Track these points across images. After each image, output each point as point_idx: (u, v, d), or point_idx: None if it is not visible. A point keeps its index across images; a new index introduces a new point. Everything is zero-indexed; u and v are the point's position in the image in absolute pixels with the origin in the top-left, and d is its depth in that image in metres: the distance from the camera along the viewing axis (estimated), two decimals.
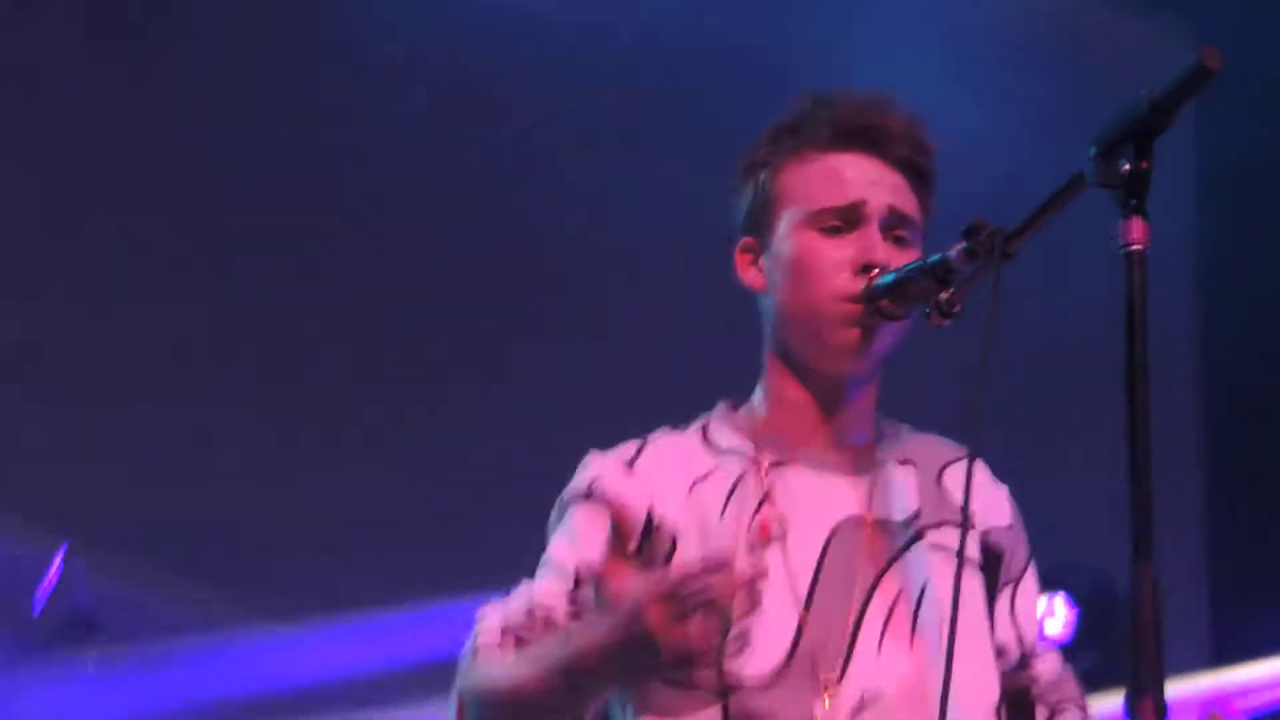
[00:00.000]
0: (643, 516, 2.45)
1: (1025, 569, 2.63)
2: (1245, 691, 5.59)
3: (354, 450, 5.22)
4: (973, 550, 2.55)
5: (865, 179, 2.51)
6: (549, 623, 2.39)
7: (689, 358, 5.14)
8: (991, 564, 2.57)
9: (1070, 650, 5.39)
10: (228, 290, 5.22)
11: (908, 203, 2.53)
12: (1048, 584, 5.41)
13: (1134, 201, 2.02)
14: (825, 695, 2.40)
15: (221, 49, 5.29)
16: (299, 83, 5.35)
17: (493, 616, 2.44)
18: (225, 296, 5.22)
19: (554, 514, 2.54)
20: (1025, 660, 2.58)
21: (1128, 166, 2.02)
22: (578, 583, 2.43)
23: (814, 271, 2.49)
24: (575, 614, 2.39)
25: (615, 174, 5.57)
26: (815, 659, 2.41)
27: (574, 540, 2.47)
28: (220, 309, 5.21)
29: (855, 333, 2.46)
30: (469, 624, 2.47)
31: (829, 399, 2.53)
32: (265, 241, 5.26)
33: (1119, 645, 5.51)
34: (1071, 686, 2.61)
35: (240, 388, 5.18)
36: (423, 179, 5.44)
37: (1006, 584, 2.59)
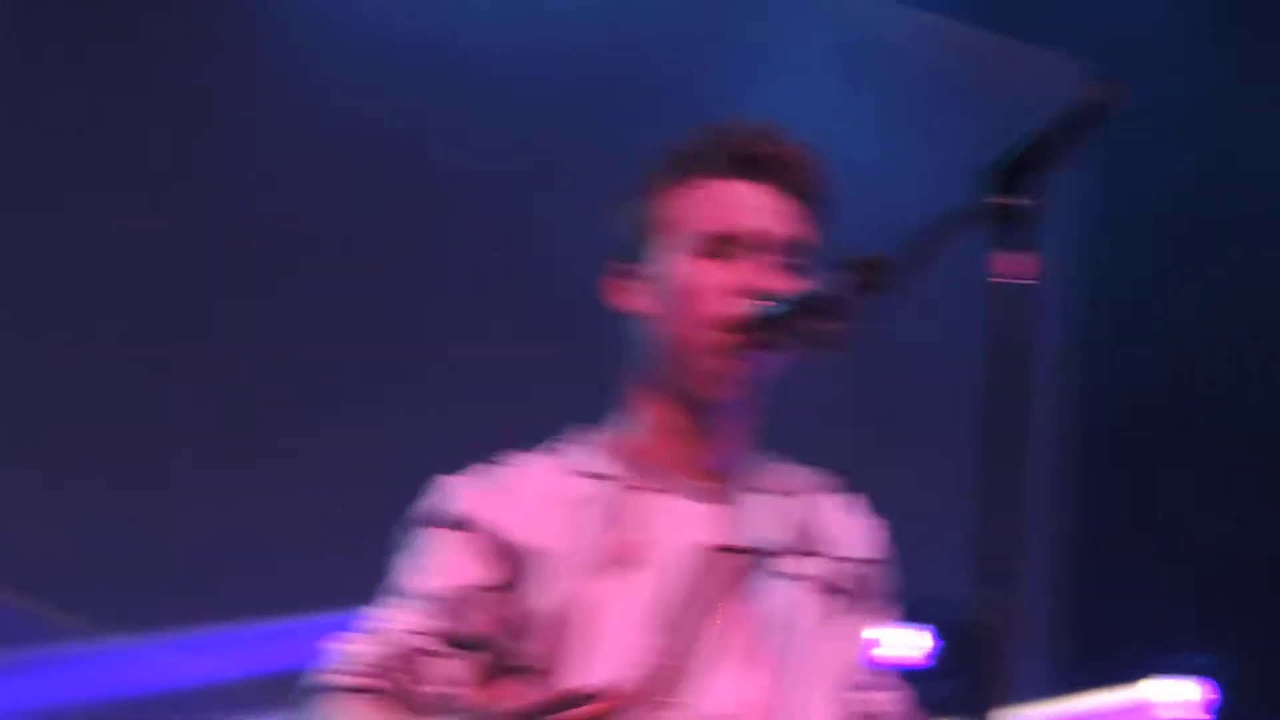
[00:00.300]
0: (493, 541, 2.42)
1: (884, 603, 2.62)
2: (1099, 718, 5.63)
3: (189, 462, 5.10)
4: (831, 579, 2.53)
5: (754, 205, 2.48)
6: (418, 674, 2.37)
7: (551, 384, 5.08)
8: (849, 594, 2.56)
9: (930, 678, 5.46)
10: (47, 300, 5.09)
11: (797, 230, 2.50)
12: (911, 616, 5.47)
13: (1019, 235, 1.99)
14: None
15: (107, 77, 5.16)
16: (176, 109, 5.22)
17: (361, 652, 2.39)
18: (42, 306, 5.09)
19: (407, 538, 2.49)
20: (871, 691, 2.57)
21: (1016, 200, 2.00)
22: (432, 612, 2.39)
23: (694, 297, 2.45)
24: (449, 658, 2.37)
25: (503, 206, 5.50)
26: (664, 684, 2.38)
27: (425, 569, 2.43)
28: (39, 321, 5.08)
29: (728, 361, 2.43)
30: (309, 638, 2.43)
31: (698, 426, 2.50)
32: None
33: (974, 672, 5.54)
34: None
35: (68, 398, 5.04)
36: (322, 214, 5.34)
37: (862, 615, 2.58)
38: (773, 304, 2.40)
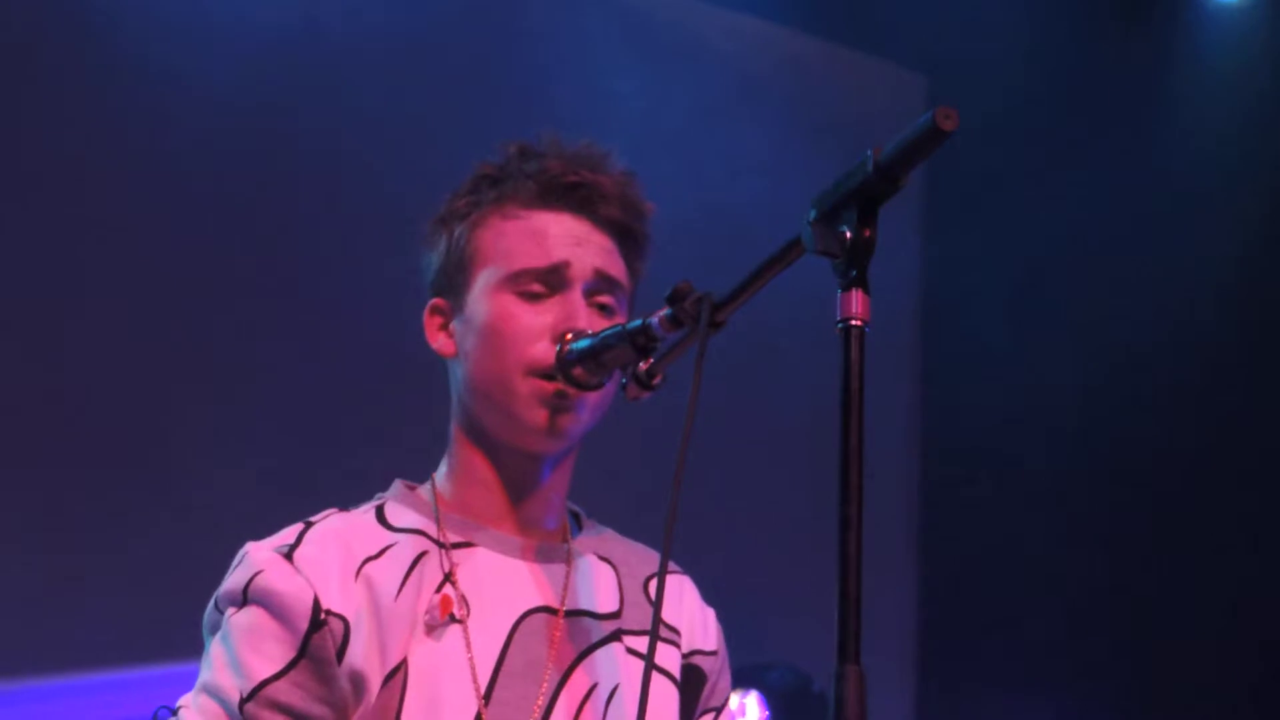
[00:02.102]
0: (307, 608, 2.23)
1: (725, 701, 2.50)
2: None
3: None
4: (673, 667, 2.42)
5: (570, 239, 2.34)
6: None
7: (367, 434, 4.88)
8: (693, 687, 2.45)
9: None
10: None
11: (615, 266, 2.37)
12: (742, 682, 5.34)
13: (854, 272, 1.84)
14: None
15: None
16: None
17: None
18: None
19: (210, 616, 2.31)
20: None
21: (849, 234, 1.85)
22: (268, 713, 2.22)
23: (509, 338, 2.31)
24: None
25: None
26: None
27: (235, 659, 2.24)
28: None
29: (547, 412, 2.29)
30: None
31: (519, 478, 2.36)
32: None
33: None
34: None
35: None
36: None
37: (706, 712, 2.47)
38: (588, 341, 2.26)
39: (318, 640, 2.22)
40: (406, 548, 2.32)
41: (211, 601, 2.31)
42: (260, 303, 5.10)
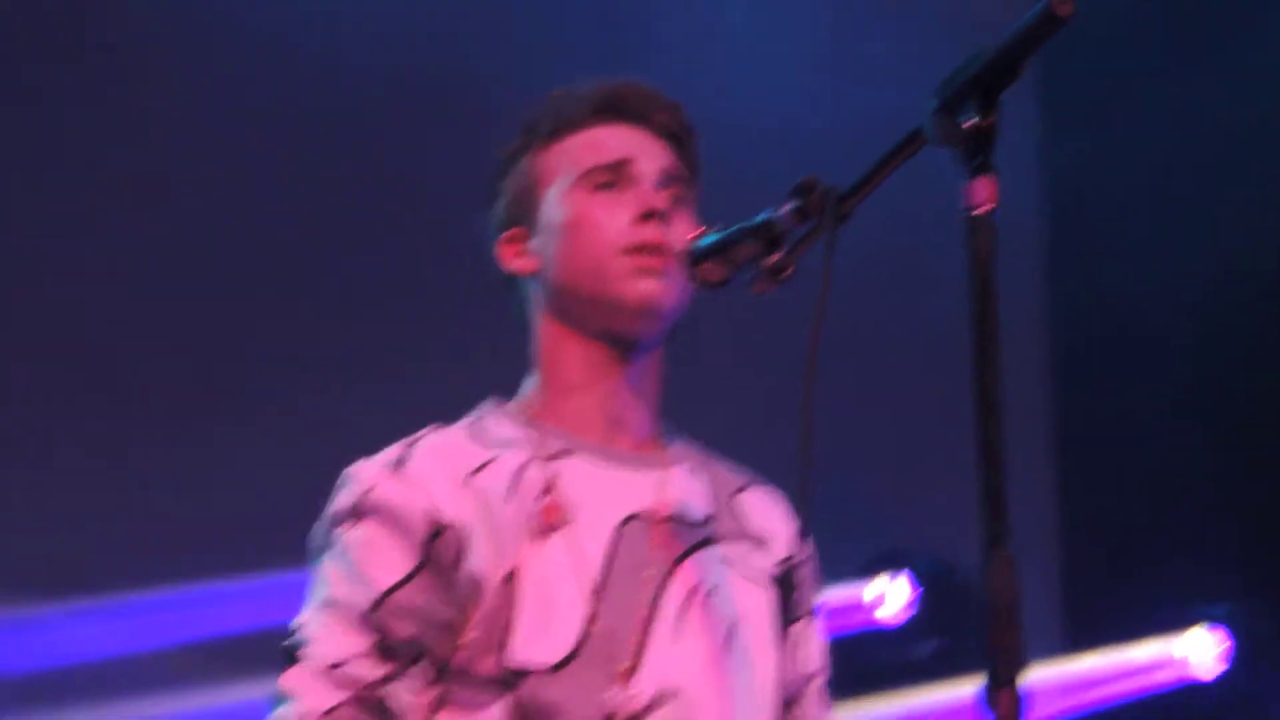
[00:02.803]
0: (423, 515, 2.30)
1: (817, 608, 2.56)
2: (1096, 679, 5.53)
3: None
4: (766, 574, 2.48)
5: (630, 142, 2.44)
6: (365, 711, 2.25)
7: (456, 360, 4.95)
8: (786, 591, 2.49)
9: (909, 636, 5.36)
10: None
11: (676, 166, 2.45)
12: (889, 564, 5.37)
13: (979, 160, 1.85)
14: (619, 684, 2.29)
15: None
16: None
17: (308, 705, 2.26)
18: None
19: (319, 537, 2.36)
20: (796, 699, 2.51)
21: (971, 122, 1.86)
22: (376, 629, 2.27)
23: (592, 227, 2.39)
24: (388, 677, 2.26)
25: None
26: (607, 648, 2.30)
27: (356, 572, 2.30)
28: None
29: (645, 284, 2.36)
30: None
31: (611, 376, 2.42)
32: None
33: (959, 630, 5.44)
34: None
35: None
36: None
37: (799, 617, 2.51)
38: (715, 235, 2.31)
39: (437, 546, 2.28)
40: (507, 460, 2.37)
41: (320, 523, 2.36)
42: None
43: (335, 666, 2.26)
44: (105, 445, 4.80)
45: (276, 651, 2.33)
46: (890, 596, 5.37)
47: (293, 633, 2.31)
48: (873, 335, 5.46)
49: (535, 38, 5.41)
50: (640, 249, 2.35)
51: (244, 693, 4.36)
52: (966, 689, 4.83)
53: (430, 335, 5.11)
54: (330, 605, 2.29)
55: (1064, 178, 6.30)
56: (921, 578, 5.39)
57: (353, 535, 2.31)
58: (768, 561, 2.48)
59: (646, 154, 2.42)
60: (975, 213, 1.84)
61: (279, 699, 2.28)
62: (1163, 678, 5.69)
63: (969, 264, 1.85)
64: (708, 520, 2.43)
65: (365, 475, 2.34)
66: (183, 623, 4.67)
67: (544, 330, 2.44)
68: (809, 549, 2.53)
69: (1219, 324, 6.04)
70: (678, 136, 2.46)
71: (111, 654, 4.63)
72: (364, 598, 2.28)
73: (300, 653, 2.29)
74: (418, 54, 5.31)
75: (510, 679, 2.26)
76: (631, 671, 2.29)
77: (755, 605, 2.42)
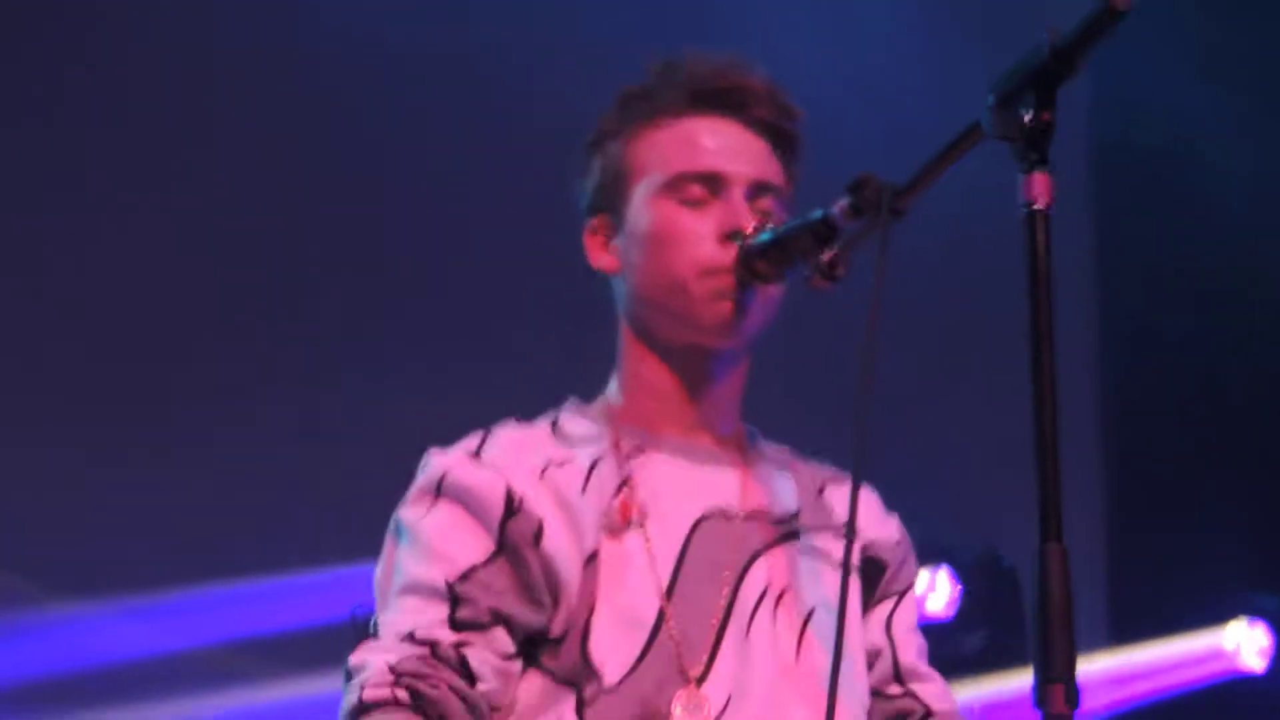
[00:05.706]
0: (501, 498, 2.28)
1: (909, 588, 2.50)
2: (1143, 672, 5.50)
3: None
4: (855, 558, 2.40)
5: (725, 145, 2.36)
6: (440, 662, 2.21)
7: (530, 358, 4.94)
8: (872, 575, 2.45)
9: (955, 629, 5.34)
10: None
11: (771, 170, 2.38)
12: (931, 557, 5.36)
13: (1035, 155, 1.85)
14: (690, 686, 2.26)
15: None
16: None
17: (375, 661, 2.22)
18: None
19: (397, 522, 2.34)
20: (902, 680, 2.45)
21: (1028, 117, 1.86)
22: (454, 601, 2.24)
23: (676, 243, 2.32)
24: (461, 643, 2.22)
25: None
26: (679, 649, 2.27)
27: (433, 552, 2.27)
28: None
29: (726, 306, 2.30)
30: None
31: (693, 383, 2.38)
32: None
33: (1004, 622, 5.43)
34: None
35: (53, 383, 4.92)
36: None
37: (887, 597, 2.47)
38: (770, 233, 2.28)
39: (514, 527, 2.26)
40: (584, 456, 2.34)
41: (398, 509, 2.34)
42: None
43: (410, 634, 2.23)
44: (130, 443, 4.83)
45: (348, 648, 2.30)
46: (936, 590, 5.35)
47: (371, 626, 2.28)
48: (916, 329, 5.45)
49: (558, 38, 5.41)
50: (723, 271, 2.29)
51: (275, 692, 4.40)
52: (1014, 682, 4.82)
53: (444, 335, 5.13)
54: (408, 588, 2.27)
55: (1112, 168, 6.29)
56: (965, 570, 5.37)
57: (431, 517, 2.29)
58: (855, 549, 2.40)
59: (739, 159, 2.35)
60: (1033, 207, 1.84)
61: (347, 676, 2.24)
62: (1210, 670, 5.66)
63: (1026, 258, 1.84)
64: (795, 514, 2.40)
65: (442, 460, 2.32)
66: (213, 623, 4.67)
67: (626, 332, 2.41)
68: (898, 532, 2.49)
69: (1271, 315, 6.02)
70: (779, 132, 2.39)
71: (132, 655, 4.67)
72: (441, 574, 2.25)
73: (374, 633, 2.27)
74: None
75: (586, 673, 2.23)
76: (704, 673, 2.26)
77: (838, 593, 2.32)
